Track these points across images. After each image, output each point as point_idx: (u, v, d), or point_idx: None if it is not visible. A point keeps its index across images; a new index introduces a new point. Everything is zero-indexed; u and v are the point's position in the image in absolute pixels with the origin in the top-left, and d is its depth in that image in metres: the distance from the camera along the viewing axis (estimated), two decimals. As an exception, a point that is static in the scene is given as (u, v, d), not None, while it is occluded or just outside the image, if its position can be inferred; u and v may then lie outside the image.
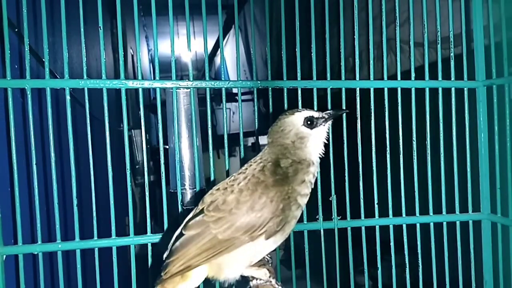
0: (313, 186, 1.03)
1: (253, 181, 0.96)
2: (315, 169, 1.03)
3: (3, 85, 1.16)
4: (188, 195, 1.36)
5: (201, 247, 0.94)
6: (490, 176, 1.47)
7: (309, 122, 1.03)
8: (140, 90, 1.29)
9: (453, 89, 1.46)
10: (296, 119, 1.03)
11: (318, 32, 1.41)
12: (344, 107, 1.39)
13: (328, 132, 1.09)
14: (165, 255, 0.99)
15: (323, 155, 1.08)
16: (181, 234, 0.98)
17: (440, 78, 1.45)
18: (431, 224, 1.44)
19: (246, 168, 1.02)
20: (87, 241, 1.23)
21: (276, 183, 0.96)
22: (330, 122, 1.07)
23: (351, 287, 1.41)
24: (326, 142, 1.08)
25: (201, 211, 0.98)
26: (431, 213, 1.45)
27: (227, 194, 0.97)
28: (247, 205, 0.94)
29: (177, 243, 0.97)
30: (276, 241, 0.99)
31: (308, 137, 1.03)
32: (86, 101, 1.23)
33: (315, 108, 1.38)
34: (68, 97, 1.22)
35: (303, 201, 1.00)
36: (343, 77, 1.41)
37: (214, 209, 0.96)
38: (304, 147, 1.02)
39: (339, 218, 1.37)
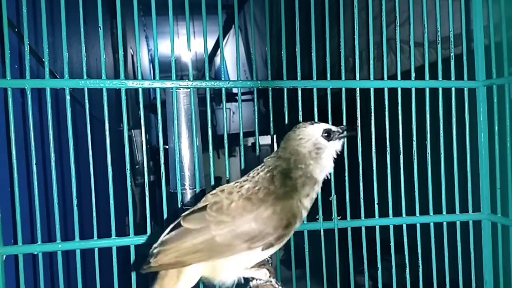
0: (313, 203, 1.02)
1: (263, 191, 0.95)
2: (318, 189, 1.04)
3: (3, 85, 1.16)
4: (188, 195, 1.36)
5: (197, 245, 0.93)
6: (490, 176, 1.47)
7: (326, 134, 1.04)
8: (140, 90, 1.29)
9: (453, 89, 1.46)
10: (315, 130, 1.04)
11: (318, 32, 1.41)
12: (344, 107, 1.39)
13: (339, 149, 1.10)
14: (156, 244, 0.97)
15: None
16: (178, 225, 0.96)
17: (440, 78, 1.45)
18: (431, 224, 1.44)
19: (253, 176, 1.00)
20: (87, 241, 1.23)
21: (286, 195, 0.95)
22: (344, 140, 1.08)
23: (351, 287, 1.41)
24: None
25: (203, 208, 0.96)
26: (431, 213, 1.45)
27: (234, 199, 0.95)
28: (252, 215, 0.93)
29: (173, 233, 0.95)
30: (272, 251, 0.98)
31: (324, 149, 1.03)
32: (86, 101, 1.23)
33: (315, 108, 1.38)
34: (68, 97, 1.22)
35: (305, 214, 1.00)
36: (343, 77, 1.41)
37: (218, 211, 0.94)
38: (319, 158, 1.02)
39: (339, 218, 1.37)
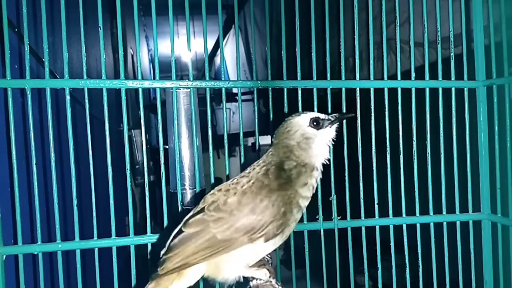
0: (314, 191, 1.02)
1: (257, 185, 0.96)
2: (318, 174, 1.03)
3: (3, 85, 1.16)
4: (188, 195, 1.35)
5: (200, 246, 0.94)
6: (490, 176, 1.47)
7: (315, 123, 1.03)
8: (140, 90, 1.29)
9: (453, 89, 1.46)
10: (302, 120, 1.04)
11: (318, 32, 1.41)
12: (344, 107, 1.39)
13: (334, 135, 1.08)
14: (162, 252, 0.99)
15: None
16: (180, 231, 0.98)
17: (440, 78, 1.45)
18: (431, 224, 1.44)
19: (249, 172, 1.01)
20: (87, 241, 1.23)
21: (280, 187, 0.96)
22: (336, 125, 1.07)
23: (351, 287, 1.41)
24: (332, 145, 1.08)
25: (202, 210, 0.98)
26: (431, 213, 1.45)
27: (229, 195, 0.97)
28: (249, 207, 0.94)
29: (176, 240, 0.97)
30: (275, 244, 0.99)
31: (314, 138, 1.03)
32: (86, 101, 1.23)
33: (315, 108, 1.38)
34: (68, 97, 1.22)
35: (304, 203, 1.00)
36: (343, 77, 1.41)
37: (215, 209, 0.96)
38: (309, 148, 1.02)
39: (339, 218, 1.37)
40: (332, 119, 1.05)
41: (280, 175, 0.98)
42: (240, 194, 0.96)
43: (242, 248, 0.95)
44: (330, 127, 1.05)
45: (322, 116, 1.05)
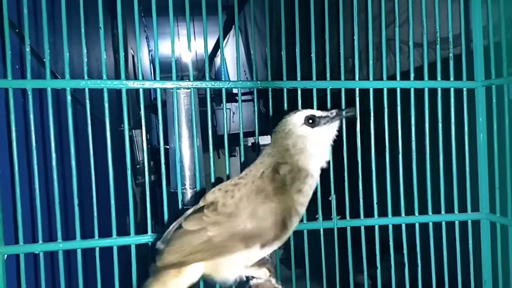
0: (310, 197, 0.99)
1: (253, 189, 0.94)
2: (313, 181, 0.98)
3: (4, 86, 1.16)
4: (189, 194, 1.36)
5: (196, 247, 0.94)
6: (489, 176, 1.48)
7: (310, 121, 0.98)
8: (141, 90, 1.30)
9: (452, 90, 1.47)
10: (296, 118, 1.00)
11: (318, 33, 1.42)
12: (343, 108, 1.39)
13: (334, 133, 1.03)
14: (160, 242, 0.98)
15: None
16: (180, 226, 0.98)
17: (439, 79, 1.45)
18: (430, 224, 1.44)
19: (247, 174, 0.99)
20: (88, 241, 1.24)
21: (276, 191, 0.94)
22: (336, 123, 1.02)
23: (351, 286, 1.42)
24: (331, 144, 1.04)
25: (202, 209, 0.98)
26: (430, 213, 1.45)
27: (227, 198, 0.95)
28: (246, 213, 0.92)
29: (176, 234, 0.97)
30: (271, 248, 0.98)
31: (308, 137, 0.99)
32: (87, 101, 1.24)
33: (315, 108, 1.38)
34: (69, 98, 1.22)
35: (302, 210, 0.98)
36: (342, 78, 1.42)
37: (213, 212, 0.95)
38: (305, 148, 0.98)
39: (338, 217, 1.38)
40: (331, 115, 1.01)
41: (274, 178, 0.95)
42: (237, 199, 0.94)
43: (237, 253, 0.94)
44: (328, 125, 1.01)
45: (319, 113, 1.00)
